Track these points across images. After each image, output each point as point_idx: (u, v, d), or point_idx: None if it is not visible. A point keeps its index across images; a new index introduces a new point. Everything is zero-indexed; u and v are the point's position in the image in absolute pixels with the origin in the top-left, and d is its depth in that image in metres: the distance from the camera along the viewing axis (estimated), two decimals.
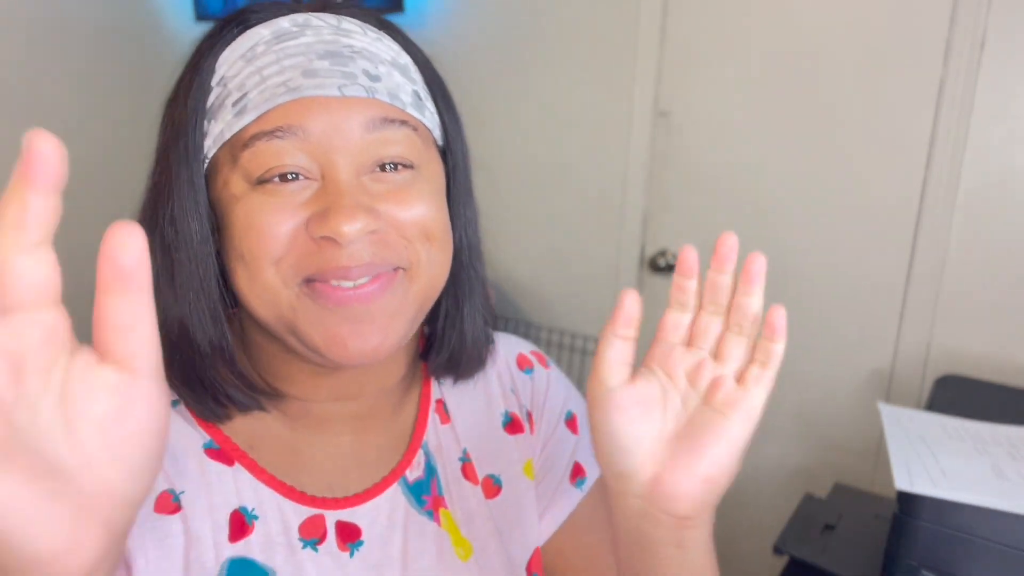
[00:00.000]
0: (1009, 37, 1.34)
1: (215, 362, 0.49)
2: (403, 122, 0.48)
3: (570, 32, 1.83)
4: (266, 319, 0.47)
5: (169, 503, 0.46)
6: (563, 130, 1.90)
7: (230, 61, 0.47)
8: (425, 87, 0.52)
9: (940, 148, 1.42)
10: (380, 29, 0.51)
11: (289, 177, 0.45)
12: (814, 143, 1.57)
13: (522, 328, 2.07)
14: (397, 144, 0.47)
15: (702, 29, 1.67)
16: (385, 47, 0.50)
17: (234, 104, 0.46)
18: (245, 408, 0.50)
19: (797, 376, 1.67)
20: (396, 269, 0.47)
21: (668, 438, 0.45)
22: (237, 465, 0.50)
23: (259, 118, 0.45)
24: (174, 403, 0.50)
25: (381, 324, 0.47)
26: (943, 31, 1.40)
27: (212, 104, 0.47)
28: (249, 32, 0.48)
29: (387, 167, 0.47)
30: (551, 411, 0.65)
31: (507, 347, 0.67)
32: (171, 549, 0.45)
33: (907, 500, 0.74)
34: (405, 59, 0.51)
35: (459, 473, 0.58)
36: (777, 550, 0.95)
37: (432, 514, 0.55)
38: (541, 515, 0.62)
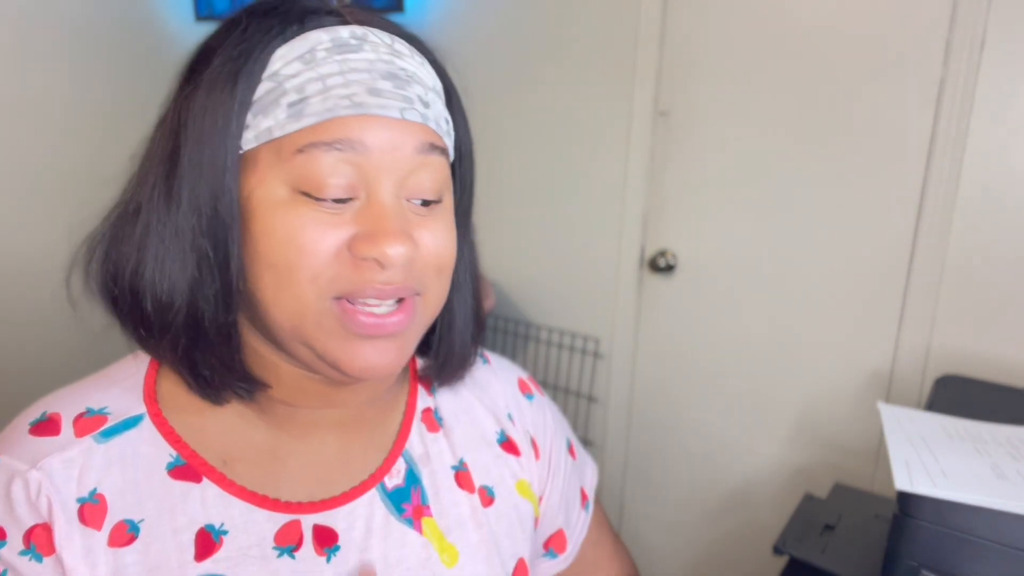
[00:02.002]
0: (1009, 37, 1.34)
1: (218, 348, 0.48)
2: (443, 150, 0.50)
3: (570, 32, 1.84)
4: (283, 327, 0.47)
5: (124, 534, 0.46)
6: (563, 130, 1.90)
7: (286, 60, 0.46)
8: (448, 111, 0.53)
9: (940, 148, 1.42)
10: (422, 54, 0.52)
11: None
12: (814, 143, 1.57)
13: (522, 328, 2.07)
14: (435, 171, 0.49)
15: (702, 29, 1.67)
16: (428, 73, 0.51)
17: (290, 105, 0.45)
18: (232, 396, 0.51)
19: (797, 376, 1.67)
20: (415, 295, 0.49)
21: None
22: (205, 480, 0.49)
23: (318, 125, 0.45)
24: (138, 418, 0.50)
25: (399, 344, 0.49)
26: (943, 31, 1.40)
27: (261, 97, 0.46)
28: (308, 35, 0.47)
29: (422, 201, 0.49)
30: (554, 440, 0.68)
31: (507, 371, 0.70)
32: None
33: (907, 500, 0.73)
34: (439, 85, 0.53)
35: (452, 481, 0.59)
36: (777, 550, 0.95)
37: (412, 522, 0.55)
38: (567, 542, 0.68)
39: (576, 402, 2.02)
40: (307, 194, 0.45)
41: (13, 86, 1.94)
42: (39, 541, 0.45)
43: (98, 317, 0.51)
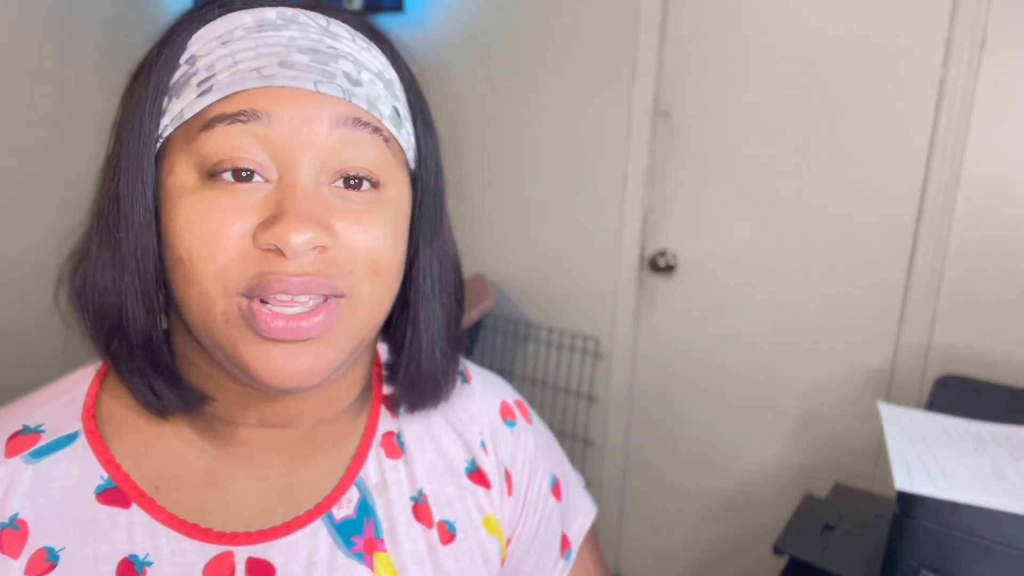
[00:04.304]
0: (1009, 37, 1.34)
1: (145, 353, 0.46)
2: (376, 129, 0.45)
3: (570, 32, 1.84)
4: (197, 328, 0.44)
5: (43, 563, 0.43)
6: (563, 130, 1.90)
7: (204, 40, 0.44)
8: (407, 107, 0.49)
9: (940, 148, 1.42)
10: (371, 40, 0.48)
11: (243, 175, 0.41)
12: (814, 143, 1.57)
13: (522, 328, 2.07)
14: (365, 149, 0.44)
15: (702, 29, 1.67)
16: (372, 58, 0.47)
17: (199, 84, 0.42)
18: (172, 407, 0.47)
19: (797, 376, 1.67)
20: (336, 296, 0.43)
21: None
22: (134, 507, 0.46)
23: (223, 100, 0.42)
24: (73, 436, 0.47)
25: (316, 350, 0.43)
26: (943, 31, 1.40)
27: (176, 81, 0.44)
28: (231, 16, 0.44)
29: (351, 181, 0.44)
30: (534, 475, 0.61)
31: (490, 392, 0.63)
32: None
33: (907, 500, 0.73)
34: (391, 74, 0.48)
35: (409, 513, 0.53)
36: (777, 550, 0.95)
37: (363, 556, 0.50)
38: None
39: (576, 402, 2.01)
40: (214, 175, 0.41)
41: (11, 87, 1.94)
42: None
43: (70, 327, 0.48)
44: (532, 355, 2.07)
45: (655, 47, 1.72)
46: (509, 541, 0.59)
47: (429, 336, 0.53)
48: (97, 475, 0.46)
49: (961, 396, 1.07)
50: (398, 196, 0.47)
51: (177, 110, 0.43)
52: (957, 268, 1.45)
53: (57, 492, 0.45)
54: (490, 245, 2.08)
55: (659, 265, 1.80)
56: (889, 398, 1.56)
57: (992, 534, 0.70)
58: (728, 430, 1.79)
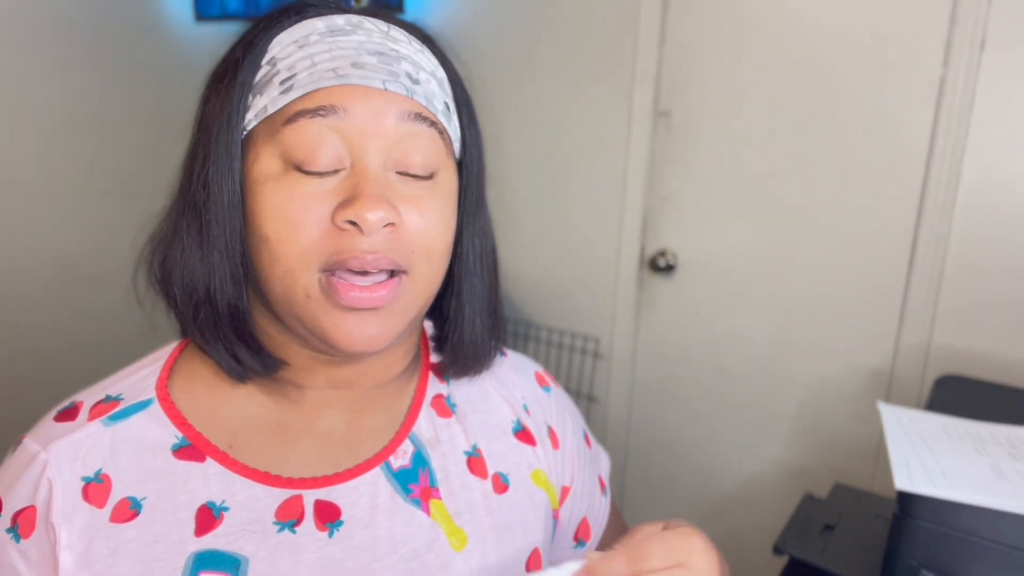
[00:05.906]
0: (1009, 37, 1.34)
1: (231, 323, 0.51)
2: (433, 123, 0.51)
3: (570, 32, 1.84)
4: (279, 301, 0.50)
5: (126, 511, 0.48)
6: (563, 130, 1.90)
7: (283, 44, 0.50)
8: (454, 102, 0.56)
9: (940, 148, 1.42)
10: (423, 43, 0.56)
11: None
12: (814, 143, 1.57)
13: (522, 328, 2.07)
14: (425, 141, 0.50)
15: (702, 29, 1.67)
16: (426, 59, 0.54)
17: (282, 82, 0.49)
18: (252, 371, 0.53)
19: (797, 376, 1.67)
20: (399, 273, 0.50)
21: None
22: (209, 460, 0.51)
23: (304, 97, 0.48)
24: (147, 402, 0.52)
25: (382, 319, 0.50)
26: (943, 31, 1.40)
27: (260, 80, 0.50)
28: (305, 22, 0.51)
29: (411, 174, 0.50)
30: (571, 430, 0.70)
31: (523, 364, 0.71)
32: (126, 555, 0.47)
33: (907, 500, 0.73)
34: (441, 73, 0.55)
35: (464, 466, 0.59)
36: (777, 550, 0.95)
37: (420, 503, 0.56)
38: (591, 529, 0.69)
39: (576, 402, 2.01)
40: (298, 167, 0.47)
41: (11, 87, 1.94)
42: (23, 523, 0.48)
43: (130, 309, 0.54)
44: (532, 355, 2.07)
45: (655, 47, 1.72)
46: (566, 490, 0.66)
47: (471, 307, 0.60)
48: (172, 435, 0.52)
49: (961, 396, 1.07)
50: (448, 183, 0.54)
51: (261, 106, 0.49)
52: (957, 268, 1.45)
53: (136, 450, 0.50)
54: None
55: (659, 265, 1.80)
56: (889, 398, 1.56)
57: (992, 534, 0.70)
58: (728, 430, 1.79)
